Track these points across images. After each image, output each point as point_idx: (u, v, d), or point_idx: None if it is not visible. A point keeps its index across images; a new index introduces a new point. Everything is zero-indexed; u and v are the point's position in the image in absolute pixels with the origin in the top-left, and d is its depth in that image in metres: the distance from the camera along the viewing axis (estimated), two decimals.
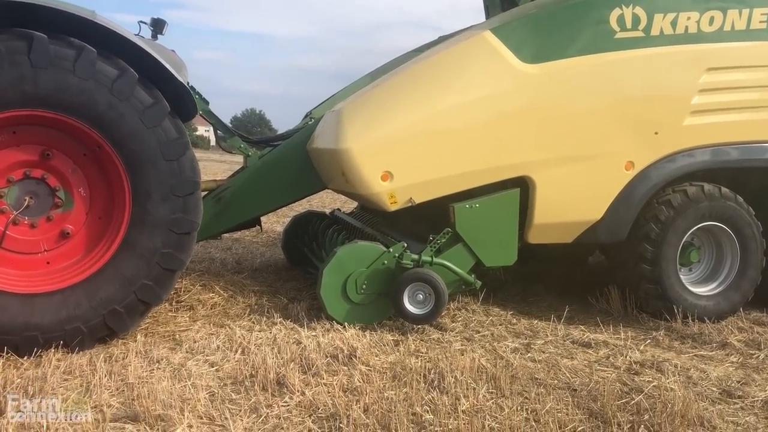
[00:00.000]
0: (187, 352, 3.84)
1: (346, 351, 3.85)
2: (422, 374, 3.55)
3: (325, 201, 11.76)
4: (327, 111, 5.16)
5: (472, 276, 4.61)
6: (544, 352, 4.13)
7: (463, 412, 3.06)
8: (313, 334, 4.18)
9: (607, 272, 6.08)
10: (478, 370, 3.62)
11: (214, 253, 7.03)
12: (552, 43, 4.63)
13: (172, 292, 4.91)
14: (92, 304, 3.75)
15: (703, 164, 4.90)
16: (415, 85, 4.58)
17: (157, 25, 5.14)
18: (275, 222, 9.28)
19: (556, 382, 3.60)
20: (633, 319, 4.96)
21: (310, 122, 5.63)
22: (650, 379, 3.70)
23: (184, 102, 4.08)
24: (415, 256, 4.42)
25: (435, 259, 4.47)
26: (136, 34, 4.26)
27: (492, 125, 4.52)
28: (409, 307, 4.33)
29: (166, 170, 3.82)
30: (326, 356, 3.78)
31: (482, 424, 2.95)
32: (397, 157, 4.46)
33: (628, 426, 3.01)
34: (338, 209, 6.82)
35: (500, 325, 4.73)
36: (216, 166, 19.73)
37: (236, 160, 15.96)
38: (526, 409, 3.17)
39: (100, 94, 3.66)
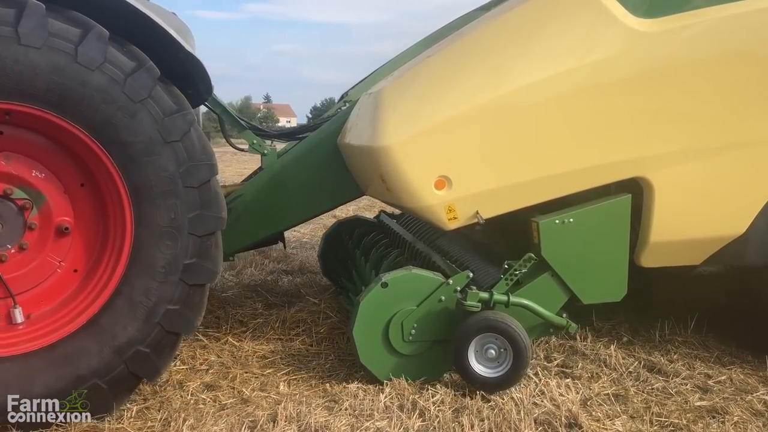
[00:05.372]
0: None
1: (561, 417, 2.87)
2: None
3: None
4: (363, 93, 3.92)
5: (564, 316, 3.35)
6: None
7: None
8: None
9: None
10: None
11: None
12: None
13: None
14: (107, 351, 2.82)
15: None
16: (481, 55, 3.30)
17: None
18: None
19: None
20: None
21: (343, 107, 4.40)
22: None
23: (192, 80, 3.09)
24: (485, 294, 3.18)
25: (512, 298, 3.22)
26: None
27: (592, 107, 3.22)
28: (477, 368, 3.12)
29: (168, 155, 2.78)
30: (537, 425, 2.84)
31: None
32: (456, 156, 3.22)
33: None
34: (383, 211, 5.57)
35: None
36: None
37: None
38: None
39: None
